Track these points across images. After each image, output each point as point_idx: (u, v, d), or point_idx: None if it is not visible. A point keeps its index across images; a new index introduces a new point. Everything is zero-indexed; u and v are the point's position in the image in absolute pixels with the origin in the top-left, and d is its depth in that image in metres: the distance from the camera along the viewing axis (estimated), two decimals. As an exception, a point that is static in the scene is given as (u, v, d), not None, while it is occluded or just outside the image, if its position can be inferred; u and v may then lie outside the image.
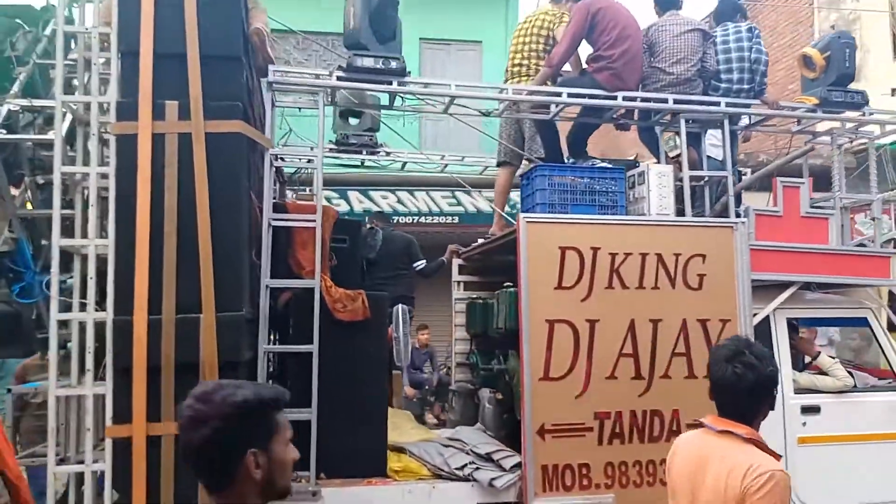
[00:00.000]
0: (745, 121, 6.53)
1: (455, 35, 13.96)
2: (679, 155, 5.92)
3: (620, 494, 4.96)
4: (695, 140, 6.02)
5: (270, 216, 4.89)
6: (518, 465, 4.93)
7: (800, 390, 5.57)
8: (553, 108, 5.90)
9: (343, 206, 11.87)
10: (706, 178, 5.93)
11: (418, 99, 6.06)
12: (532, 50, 6.45)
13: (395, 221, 10.41)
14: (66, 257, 4.50)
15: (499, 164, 7.06)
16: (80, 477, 4.45)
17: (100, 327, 4.28)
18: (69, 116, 4.59)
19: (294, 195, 7.46)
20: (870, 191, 6.34)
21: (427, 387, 10.59)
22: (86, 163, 4.54)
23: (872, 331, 5.85)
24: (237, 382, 1.91)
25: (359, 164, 8.14)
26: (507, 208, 7.10)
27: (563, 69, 6.29)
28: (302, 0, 11.30)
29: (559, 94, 5.68)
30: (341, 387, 4.85)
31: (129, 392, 4.05)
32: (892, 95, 12.54)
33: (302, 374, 4.73)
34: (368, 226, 7.43)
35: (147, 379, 4.06)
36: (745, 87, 6.04)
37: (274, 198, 5.09)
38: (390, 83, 5.34)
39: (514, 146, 6.78)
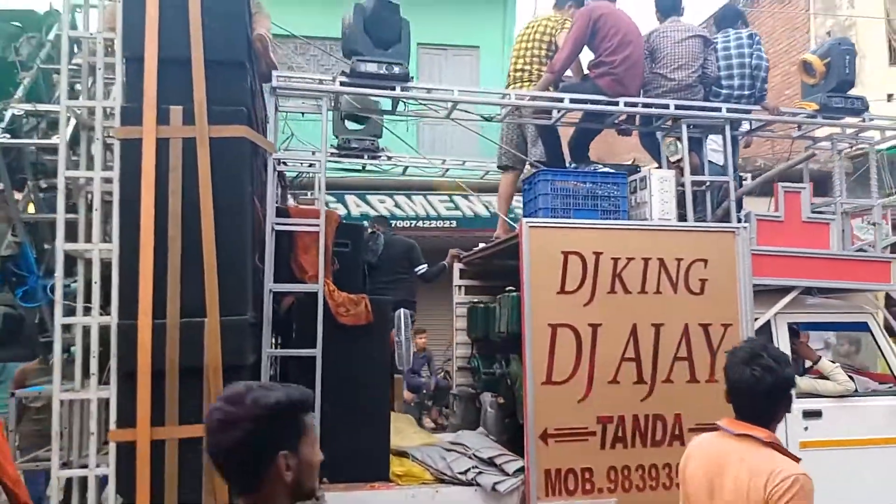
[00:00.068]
0: (745, 126, 6.55)
1: (452, 40, 13.98)
2: (680, 160, 5.95)
3: (623, 499, 4.97)
4: (696, 145, 6.05)
5: (274, 220, 4.90)
6: (521, 470, 4.93)
7: (801, 395, 5.57)
8: (555, 114, 5.92)
9: (341, 210, 11.86)
10: (708, 184, 5.95)
11: (421, 104, 6.07)
12: (534, 56, 6.47)
13: (392, 226, 10.39)
14: (70, 261, 4.50)
15: (501, 169, 7.08)
16: (78, 481, 4.45)
17: (104, 331, 4.28)
18: (73, 121, 4.59)
19: (295, 200, 7.47)
20: (867, 195, 6.37)
21: (424, 391, 10.56)
22: (89, 167, 4.55)
23: (873, 335, 5.87)
24: (266, 384, 1.91)
25: (360, 168, 8.13)
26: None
27: (565, 75, 6.30)
28: (302, 4, 11.34)
29: (561, 100, 5.71)
30: (344, 391, 4.86)
31: (133, 396, 4.04)
32: (888, 101, 12.63)
33: (304, 378, 4.71)
34: (370, 230, 7.43)
35: (151, 383, 4.05)
36: (746, 92, 6.07)
37: (276, 202, 5.09)
38: (393, 88, 5.35)
39: (517, 151, 6.80)
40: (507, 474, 4.93)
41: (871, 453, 5.47)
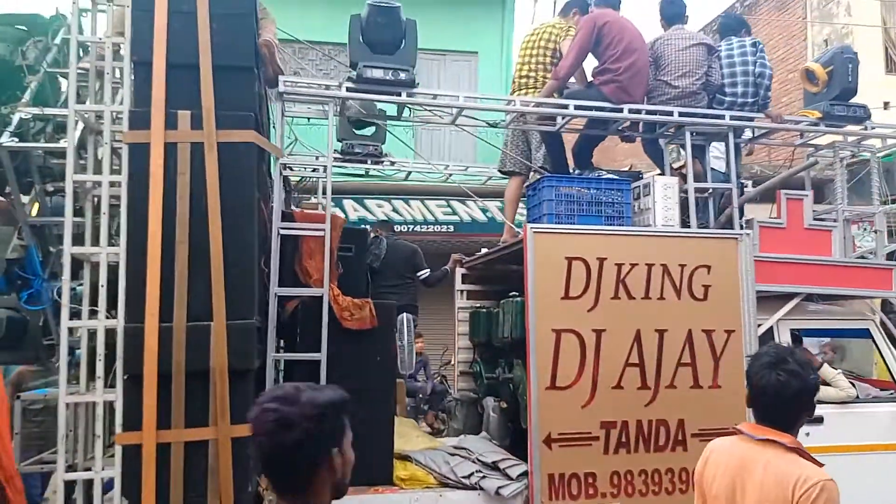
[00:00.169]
0: (748, 134, 6.59)
1: (451, 45, 13.99)
2: (683, 167, 5.98)
3: (626, 503, 4.99)
4: (699, 152, 6.08)
5: (279, 225, 4.91)
6: (525, 474, 4.95)
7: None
8: (559, 120, 5.95)
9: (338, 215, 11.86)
10: (710, 190, 5.99)
11: (426, 110, 6.09)
12: (539, 62, 6.51)
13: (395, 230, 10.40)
14: (75, 265, 4.50)
15: (506, 174, 7.11)
16: (80, 484, 4.45)
17: (109, 334, 4.28)
18: (80, 125, 4.60)
19: (297, 204, 7.45)
20: (862, 202, 6.40)
21: (420, 395, 10.58)
22: (96, 171, 4.56)
23: (875, 342, 5.91)
24: (309, 385, 1.94)
25: (363, 173, 8.14)
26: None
27: (569, 82, 6.34)
28: (303, 9, 11.36)
29: (566, 106, 5.74)
30: (348, 395, 4.85)
31: (139, 399, 4.04)
32: (885, 109, 12.70)
33: (309, 382, 4.72)
34: (372, 234, 7.44)
35: (157, 386, 4.05)
36: (750, 100, 6.09)
37: (281, 206, 5.10)
38: (399, 94, 5.37)
39: (521, 156, 6.83)
40: (511, 478, 4.94)
41: (872, 459, 5.50)
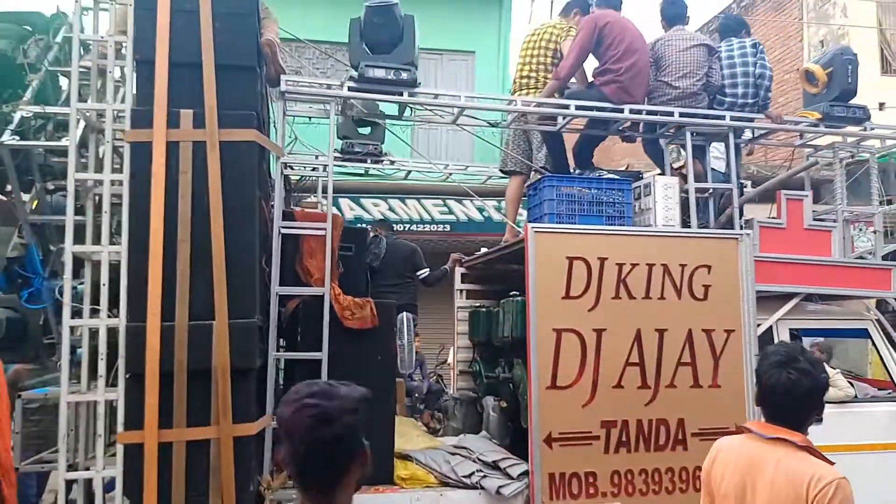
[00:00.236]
0: (748, 134, 6.61)
1: (448, 45, 13.97)
2: (683, 167, 5.99)
3: (626, 503, 5.00)
4: (700, 152, 6.09)
5: (281, 224, 4.91)
6: (525, 473, 4.95)
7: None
8: (560, 120, 5.96)
9: (334, 214, 11.85)
10: (710, 190, 6.00)
11: (427, 109, 6.10)
12: (540, 63, 6.52)
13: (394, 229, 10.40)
14: (77, 263, 4.49)
15: (507, 174, 7.12)
16: (80, 484, 4.45)
17: (110, 333, 4.27)
18: (82, 123, 4.59)
19: (296, 203, 7.45)
20: (858, 202, 6.42)
21: (417, 394, 10.57)
22: (97, 169, 4.55)
23: (873, 342, 5.93)
24: (334, 382, 1.95)
25: (362, 172, 8.13)
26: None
27: (570, 82, 6.34)
28: (303, 8, 11.34)
29: (567, 107, 5.75)
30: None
31: (141, 398, 4.05)
32: (881, 110, 12.73)
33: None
34: (372, 234, 7.43)
35: (159, 385, 4.05)
36: (750, 101, 6.11)
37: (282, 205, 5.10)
38: (401, 94, 5.37)
39: (522, 156, 6.84)
40: (512, 478, 4.94)
41: (870, 459, 5.51)
